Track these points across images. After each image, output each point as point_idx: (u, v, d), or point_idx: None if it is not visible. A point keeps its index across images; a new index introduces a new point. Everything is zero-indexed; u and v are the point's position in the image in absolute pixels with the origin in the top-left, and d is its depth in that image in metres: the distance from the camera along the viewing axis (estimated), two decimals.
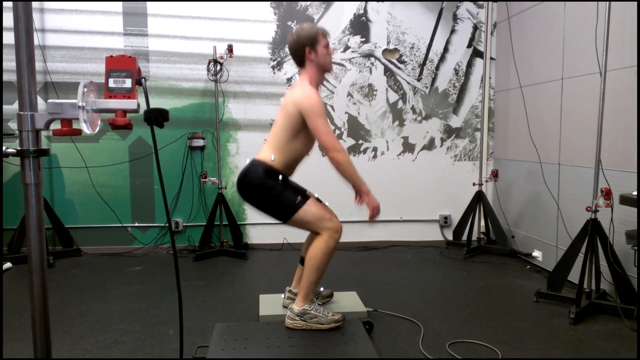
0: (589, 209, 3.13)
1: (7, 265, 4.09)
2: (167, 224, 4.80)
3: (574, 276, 3.35)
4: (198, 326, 2.94)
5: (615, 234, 3.16)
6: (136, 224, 4.76)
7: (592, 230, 3.11)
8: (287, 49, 4.72)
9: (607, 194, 3.00)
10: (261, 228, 4.87)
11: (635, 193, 2.67)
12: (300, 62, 2.79)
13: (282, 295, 3.13)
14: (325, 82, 4.78)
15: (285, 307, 3.02)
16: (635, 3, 3.07)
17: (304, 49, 2.74)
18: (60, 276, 3.94)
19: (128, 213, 4.73)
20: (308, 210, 2.68)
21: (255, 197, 2.73)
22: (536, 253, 4.22)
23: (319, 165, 4.71)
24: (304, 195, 2.74)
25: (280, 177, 2.74)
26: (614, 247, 3.09)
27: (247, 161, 2.81)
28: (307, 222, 2.71)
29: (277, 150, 2.74)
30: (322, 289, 3.16)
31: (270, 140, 2.79)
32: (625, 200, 2.70)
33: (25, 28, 1.28)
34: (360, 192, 2.77)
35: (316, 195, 2.92)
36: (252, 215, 4.85)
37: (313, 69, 2.77)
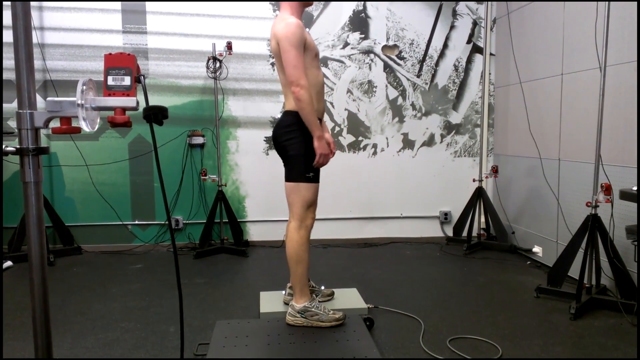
0: (589, 204, 3.13)
1: (8, 263, 4.09)
2: (167, 222, 4.80)
3: (574, 272, 3.35)
4: (199, 323, 2.95)
5: (615, 229, 3.16)
6: (136, 222, 4.76)
7: (592, 226, 3.11)
8: None
9: (607, 190, 3.00)
10: (261, 225, 4.88)
11: (635, 188, 2.67)
12: None
13: (283, 292, 3.14)
14: (324, 79, 4.77)
15: (286, 303, 3.02)
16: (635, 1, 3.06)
17: None
18: (60, 274, 3.94)
19: (128, 211, 4.73)
20: (308, 190, 2.69)
21: (284, 140, 2.69)
22: (536, 249, 4.22)
23: None
24: (316, 177, 2.73)
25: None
26: (614, 242, 3.09)
27: (279, 115, 2.79)
28: (295, 198, 2.70)
29: None
30: (322, 287, 3.16)
31: (285, 89, 2.75)
32: (625, 195, 2.70)
33: (23, 26, 1.27)
34: (312, 134, 2.65)
35: None
36: (252, 212, 4.86)
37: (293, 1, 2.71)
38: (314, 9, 4.72)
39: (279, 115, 4.76)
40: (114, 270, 4.07)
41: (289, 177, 2.73)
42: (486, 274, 3.88)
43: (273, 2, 4.68)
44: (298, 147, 2.67)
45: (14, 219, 4.40)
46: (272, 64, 4.74)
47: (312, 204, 2.74)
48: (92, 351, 2.60)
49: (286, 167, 2.75)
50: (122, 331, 2.85)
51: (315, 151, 2.67)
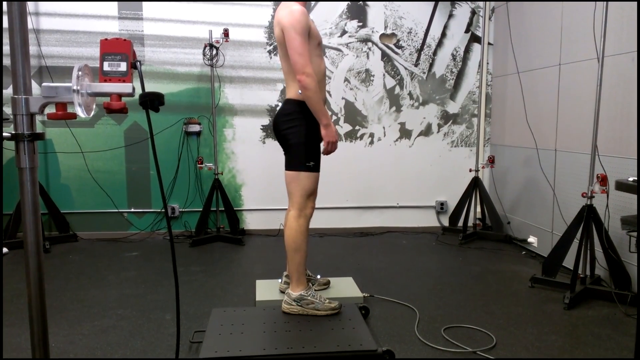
0: (584, 195, 3.14)
1: (3, 250, 4.09)
2: (163, 210, 4.79)
3: (568, 262, 3.37)
4: (195, 311, 2.95)
5: (610, 220, 3.18)
6: (132, 210, 4.75)
7: (588, 216, 3.12)
8: None
9: (603, 180, 3.01)
10: (257, 214, 4.88)
11: (631, 179, 2.68)
12: None
13: (279, 280, 3.15)
14: None
15: (282, 291, 3.03)
16: None
17: None
18: (56, 261, 3.94)
19: (124, 198, 4.72)
20: (309, 179, 2.69)
21: (286, 128, 2.68)
22: (531, 239, 4.24)
23: None
24: (317, 166, 2.73)
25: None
26: (609, 233, 3.11)
27: (276, 103, 2.78)
28: (295, 186, 2.70)
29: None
30: (319, 276, 3.17)
31: (287, 76, 2.74)
32: (621, 186, 2.71)
33: (18, 11, 1.26)
34: (319, 122, 2.66)
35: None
36: (248, 201, 4.85)
37: None
38: None
39: (276, 104, 4.74)
40: (109, 257, 4.07)
41: (289, 166, 2.72)
42: (481, 264, 3.90)
43: None
44: (299, 135, 2.66)
45: (9, 206, 4.38)
46: (269, 52, 4.71)
47: (312, 193, 2.73)
48: (88, 337, 2.60)
49: (287, 156, 2.74)
50: (118, 318, 2.86)
51: (323, 139, 2.68)
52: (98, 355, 2.41)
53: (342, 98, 4.84)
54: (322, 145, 2.73)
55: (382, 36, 4.82)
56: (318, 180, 2.76)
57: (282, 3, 2.66)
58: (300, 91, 2.62)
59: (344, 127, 4.87)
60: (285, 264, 3.17)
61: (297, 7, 2.56)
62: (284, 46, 2.61)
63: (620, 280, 3.06)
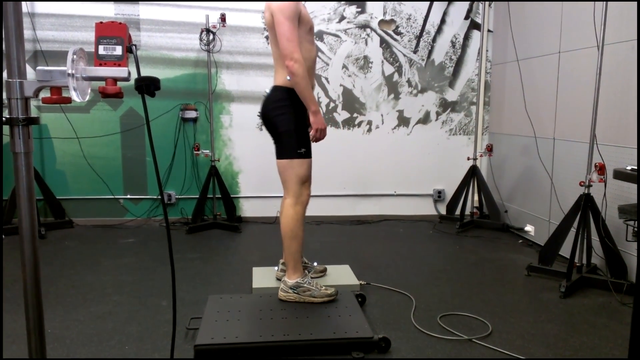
0: (582, 184, 3.14)
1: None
2: (159, 196, 4.77)
3: (565, 251, 3.38)
4: (191, 298, 2.95)
5: (607, 209, 3.18)
6: (128, 196, 4.73)
7: (585, 205, 3.12)
8: None
9: (601, 169, 3.01)
10: (254, 201, 4.86)
11: (629, 167, 2.67)
12: None
13: (276, 268, 3.14)
14: (320, 54, 4.71)
15: (278, 279, 3.03)
16: None
17: None
18: (52, 247, 3.93)
19: (120, 185, 4.70)
20: (301, 166, 2.67)
21: (274, 116, 2.67)
22: (528, 227, 4.24)
23: None
24: (308, 152, 2.71)
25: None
26: (606, 222, 3.11)
27: (267, 90, 2.76)
28: (289, 175, 2.69)
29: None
30: (315, 263, 3.17)
31: (277, 62, 2.72)
32: (619, 175, 2.70)
33: None
34: (308, 109, 2.66)
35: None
36: (245, 188, 4.84)
37: None
38: None
39: (268, 91, 4.70)
40: (105, 244, 4.06)
41: (281, 155, 2.71)
42: (478, 252, 3.91)
43: None
44: (288, 123, 2.65)
45: (4, 191, 4.35)
46: (267, 37, 4.66)
47: (306, 180, 2.72)
48: (83, 323, 2.60)
49: (277, 145, 2.73)
50: (114, 304, 2.85)
51: (312, 126, 2.66)
52: (94, 341, 2.41)
53: (340, 85, 4.81)
54: (311, 133, 2.70)
55: (381, 22, 4.78)
56: (311, 166, 2.75)
57: None
58: (288, 77, 2.60)
59: (341, 115, 4.85)
60: (282, 251, 3.17)
61: None
62: (274, 31, 2.59)
63: (617, 269, 3.07)
